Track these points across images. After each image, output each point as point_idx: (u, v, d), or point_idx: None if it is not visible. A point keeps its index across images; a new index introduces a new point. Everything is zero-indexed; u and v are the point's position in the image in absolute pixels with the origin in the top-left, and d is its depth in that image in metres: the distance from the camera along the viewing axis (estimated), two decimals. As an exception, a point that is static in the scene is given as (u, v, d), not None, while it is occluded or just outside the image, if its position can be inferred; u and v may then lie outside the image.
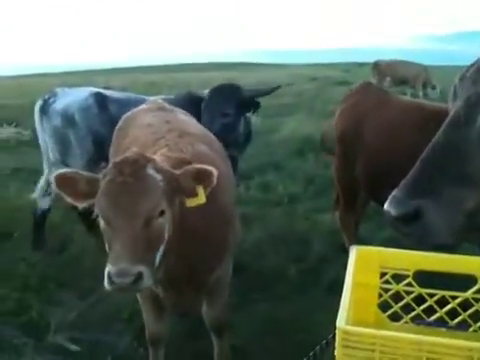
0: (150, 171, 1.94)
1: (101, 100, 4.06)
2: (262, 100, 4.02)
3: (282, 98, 11.16)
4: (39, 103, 4.11)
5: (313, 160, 6.69)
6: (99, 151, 3.83)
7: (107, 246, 1.89)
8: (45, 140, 4.14)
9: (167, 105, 3.07)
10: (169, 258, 2.07)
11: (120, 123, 3.09)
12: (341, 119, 3.70)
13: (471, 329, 1.65)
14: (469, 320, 1.64)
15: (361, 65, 21.07)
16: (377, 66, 13.20)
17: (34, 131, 4.40)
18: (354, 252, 1.55)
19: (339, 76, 17.78)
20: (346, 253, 1.77)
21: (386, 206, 1.48)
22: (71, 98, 4.11)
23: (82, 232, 4.31)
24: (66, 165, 4.10)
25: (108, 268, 1.78)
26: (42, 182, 4.29)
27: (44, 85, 12.99)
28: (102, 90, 4.34)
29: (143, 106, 3.11)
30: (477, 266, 1.61)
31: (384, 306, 1.64)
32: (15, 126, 9.04)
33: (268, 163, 6.53)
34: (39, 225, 4.26)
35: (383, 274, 1.61)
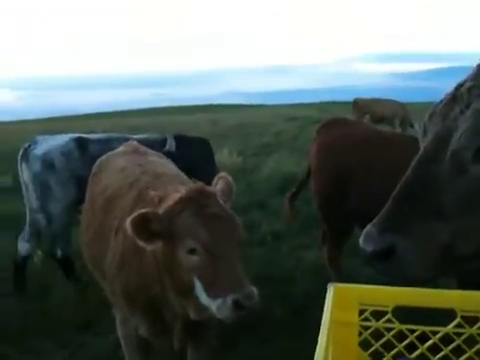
0: (222, 201, 2.08)
1: (81, 143, 4.10)
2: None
3: (263, 138, 11.31)
4: (20, 151, 4.16)
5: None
6: (80, 193, 3.82)
7: (201, 279, 1.94)
8: (27, 188, 4.17)
9: (141, 147, 3.06)
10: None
11: (94, 168, 3.03)
12: (325, 154, 3.61)
13: (454, 364, 1.64)
14: (451, 355, 1.62)
15: (337, 104, 21.21)
16: (356, 104, 13.45)
17: (15, 178, 4.42)
18: (331, 290, 1.54)
19: (317, 115, 17.91)
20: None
21: (361, 242, 1.49)
22: (51, 143, 4.16)
23: (62, 280, 4.25)
24: (45, 211, 4.09)
25: (231, 296, 1.86)
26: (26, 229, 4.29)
27: (24, 131, 12.93)
28: (83, 135, 4.38)
29: (118, 150, 3.09)
30: (456, 300, 1.60)
31: (365, 344, 1.61)
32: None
33: (251, 202, 6.53)
34: (20, 271, 4.23)
35: (362, 311, 1.60)
